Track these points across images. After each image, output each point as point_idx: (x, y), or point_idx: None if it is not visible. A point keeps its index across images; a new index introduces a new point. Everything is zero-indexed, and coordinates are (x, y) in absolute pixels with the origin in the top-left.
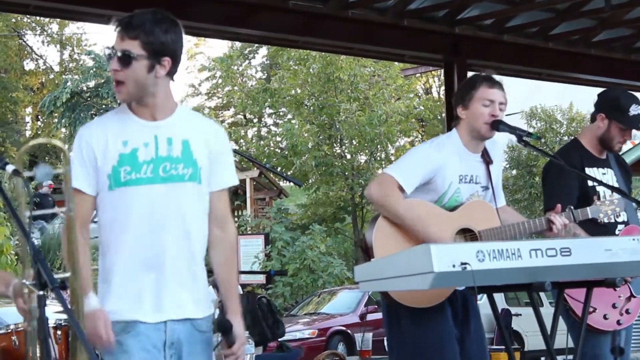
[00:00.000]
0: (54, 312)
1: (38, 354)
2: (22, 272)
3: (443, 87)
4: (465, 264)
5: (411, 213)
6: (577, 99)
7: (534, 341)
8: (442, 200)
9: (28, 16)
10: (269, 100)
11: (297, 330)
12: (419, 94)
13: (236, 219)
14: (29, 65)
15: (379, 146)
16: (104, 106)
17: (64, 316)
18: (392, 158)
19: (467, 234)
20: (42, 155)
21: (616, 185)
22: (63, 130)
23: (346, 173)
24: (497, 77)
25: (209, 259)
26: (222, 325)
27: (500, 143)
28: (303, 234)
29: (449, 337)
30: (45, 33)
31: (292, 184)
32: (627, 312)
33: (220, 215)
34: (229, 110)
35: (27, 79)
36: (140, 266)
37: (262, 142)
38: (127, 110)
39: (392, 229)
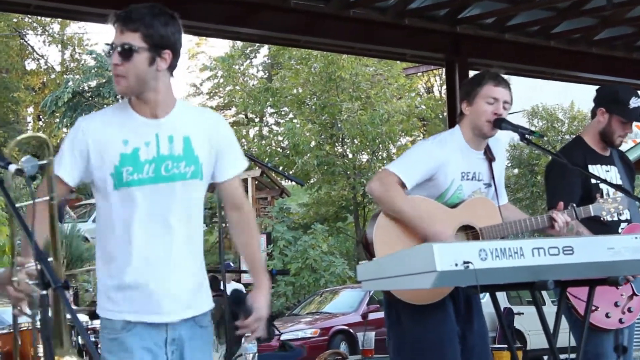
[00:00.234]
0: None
1: (41, 353)
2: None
3: (444, 86)
4: (467, 262)
5: (412, 209)
6: (578, 98)
7: (536, 340)
8: (444, 197)
9: (29, 16)
10: (270, 99)
11: (299, 330)
12: (421, 93)
13: None
14: (30, 65)
15: (380, 145)
16: (105, 106)
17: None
18: (394, 157)
19: (469, 231)
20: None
21: (619, 182)
22: (64, 129)
23: (348, 172)
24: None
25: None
26: (233, 296)
27: (502, 140)
28: (305, 233)
29: (449, 336)
30: (46, 33)
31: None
32: (629, 310)
33: (236, 198)
34: (230, 109)
35: (29, 78)
36: (143, 266)
37: (263, 142)
38: (127, 107)
39: (393, 225)
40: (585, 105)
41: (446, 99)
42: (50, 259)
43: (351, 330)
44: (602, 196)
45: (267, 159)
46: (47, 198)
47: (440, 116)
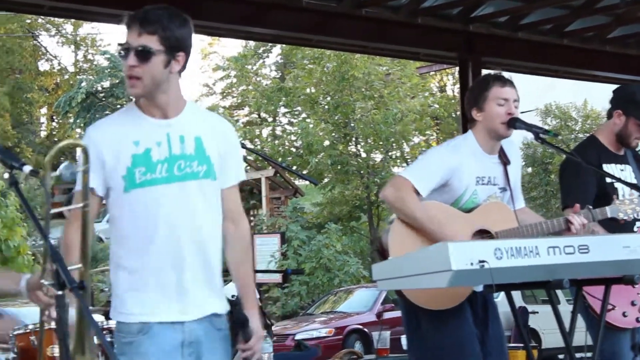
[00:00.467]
0: None
1: (57, 353)
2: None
3: (457, 85)
4: (483, 261)
5: (427, 216)
6: (592, 96)
7: (550, 339)
8: (459, 202)
9: (42, 17)
10: (283, 99)
11: (313, 329)
12: (433, 92)
13: (252, 218)
14: (43, 66)
15: (394, 144)
16: (118, 106)
17: None
18: (407, 156)
19: (485, 236)
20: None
21: (634, 181)
22: (78, 130)
23: (361, 171)
24: (506, 74)
25: (225, 256)
26: (238, 319)
27: (515, 142)
28: (319, 232)
29: (469, 338)
30: (59, 34)
31: (307, 182)
32: None
33: (233, 211)
34: (243, 109)
35: (42, 79)
36: (159, 267)
37: (277, 141)
38: (135, 109)
39: (408, 232)
40: (599, 103)
41: (459, 97)
42: (79, 266)
43: (366, 330)
44: (618, 197)
45: (280, 159)
46: (81, 205)
47: (454, 115)
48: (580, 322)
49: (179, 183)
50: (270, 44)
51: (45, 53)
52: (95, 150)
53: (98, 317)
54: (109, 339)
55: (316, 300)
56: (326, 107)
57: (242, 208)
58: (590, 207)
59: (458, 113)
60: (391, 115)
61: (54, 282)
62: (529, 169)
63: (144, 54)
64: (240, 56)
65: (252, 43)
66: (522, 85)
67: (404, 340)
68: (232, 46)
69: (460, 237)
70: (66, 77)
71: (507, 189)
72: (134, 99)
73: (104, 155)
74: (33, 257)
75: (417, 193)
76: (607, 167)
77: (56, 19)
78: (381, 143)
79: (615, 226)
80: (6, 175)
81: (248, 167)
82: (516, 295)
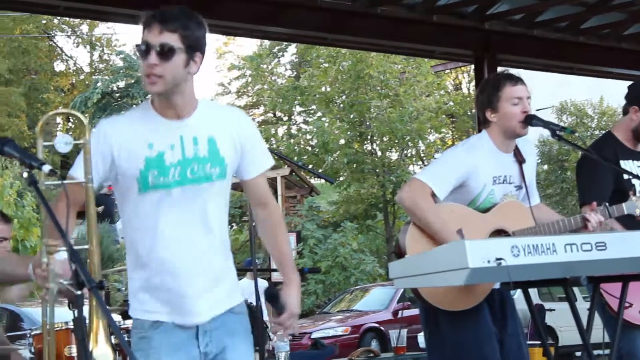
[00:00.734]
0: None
1: (75, 353)
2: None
3: (473, 83)
4: (500, 259)
5: (438, 221)
6: (608, 93)
7: (567, 336)
8: (476, 202)
9: (58, 17)
10: (298, 98)
11: (330, 328)
12: (449, 90)
13: None
14: (59, 66)
15: (409, 143)
16: (134, 106)
17: None
18: (423, 154)
19: (502, 235)
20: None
21: None
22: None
23: (377, 170)
24: (514, 71)
25: (260, 238)
26: (268, 293)
27: (530, 139)
28: (335, 231)
29: (488, 337)
30: (75, 34)
31: (323, 181)
32: None
33: (262, 196)
34: (258, 108)
35: (58, 80)
36: (171, 268)
37: (292, 140)
38: (150, 109)
39: (424, 233)
40: (615, 100)
41: (475, 95)
42: (86, 246)
43: (382, 328)
44: (634, 193)
45: (296, 158)
46: (84, 180)
47: (469, 113)
48: (597, 319)
49: (192, 186)
50: (285, 43)
51: (60, 53)
52: (105, 144)
53: (115, 317)
54: (126, 339)
55: (332, 298)
56: (341, 105)
57: (270, 191)
58: (607, 204)
59: (473, 111)
60: (407, 113)
61: (73, 282)
62: (545, 167)
63: (166, 52)
64: (256, 55)
65: (267, 42)
66: (537, 83)
67: (420, 338)
68: (248, 45)
69: None
70: (82, 77)
71: (522, 186)
72: (149, 98)
73: (113, 153)
74: None
75: (434, 196)
76: (624, 164)
77: (72, 19)
78: (397, 141)
79: (632, 222)
80: (25, 175)
81: None
82: (532, 292)
